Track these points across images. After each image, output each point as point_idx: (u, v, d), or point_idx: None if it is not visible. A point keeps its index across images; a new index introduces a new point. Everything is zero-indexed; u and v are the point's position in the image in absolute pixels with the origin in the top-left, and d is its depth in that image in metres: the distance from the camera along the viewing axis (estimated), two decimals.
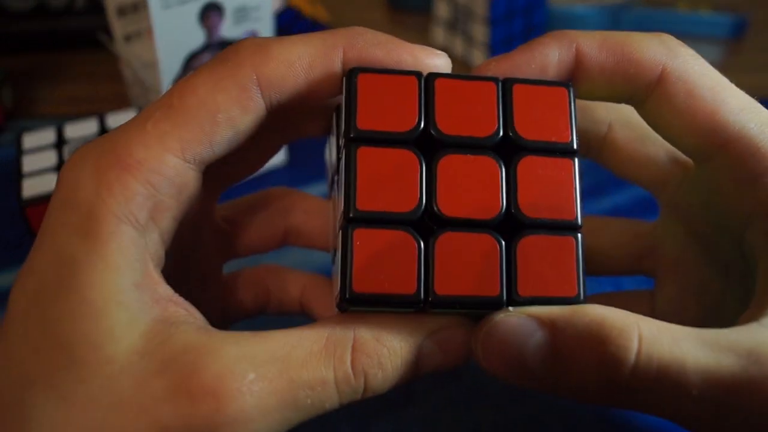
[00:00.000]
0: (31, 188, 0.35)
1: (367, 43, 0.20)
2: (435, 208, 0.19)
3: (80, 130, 0.38)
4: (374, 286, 0.19)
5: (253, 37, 0.21)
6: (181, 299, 0.20)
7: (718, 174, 0.22)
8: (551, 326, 0.19)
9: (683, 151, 0.23)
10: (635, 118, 0.23)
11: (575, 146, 0.20)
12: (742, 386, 0.18)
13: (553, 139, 0.20)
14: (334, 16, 0.57)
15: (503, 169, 0.20)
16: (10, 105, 0.47)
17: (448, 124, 0.20)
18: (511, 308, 0.19)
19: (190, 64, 0.37)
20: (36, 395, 0.17)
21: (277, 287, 0.27)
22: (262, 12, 0.38)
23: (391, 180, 0.19)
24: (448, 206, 0.19)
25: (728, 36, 0.55)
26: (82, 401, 0.17)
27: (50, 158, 0.36)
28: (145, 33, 0.44)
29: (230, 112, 0.19)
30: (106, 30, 0.44)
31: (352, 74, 0.20)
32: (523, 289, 0.19)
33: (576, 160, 0.20)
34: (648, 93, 0.21)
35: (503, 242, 0.19)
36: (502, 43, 0.50)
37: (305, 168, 0.42)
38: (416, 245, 0.19)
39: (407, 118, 0.20)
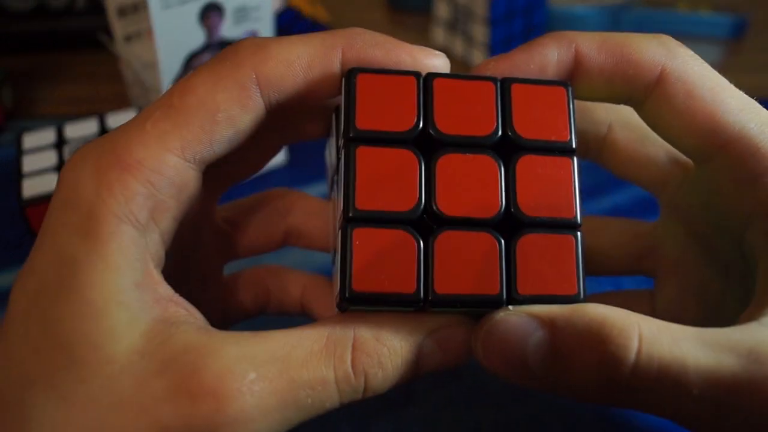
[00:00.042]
0: (31, 188, 0.35)
1: (365, 43, 0.20)
2: (434, 208, 0.19)
3: (80, 130, 0.38)
4: (374, 286, 0.19)
5: (252, 37, 0.21)
6: (181, 299, 0.20)
7: (718, 174, 0.22)
8: (551, 325, 0.19)
9: (683, 152, 0.23)
10: (635, 119, 0.23)
11: (574, 145, 0.20)
12: (743, 386, 0.18)
13: (552, 138, 0.20)
14: (334, 16, 0.57)
15: (502, 168, 0.20)
16: (10, 105, 0.47)
17: (447, 123, 0.20)
18: (510, 307, 0.19)
19: (190, 64, 0.37)
20: (36, 395, 0.17)
21: (277, 287, 0.27)
22: (262, 12, 0.38)
23: (391, 179, 0.19)
24: (447, 205, 0.19)
25: (728, 36, 0.55)
26: (82, 401, 0.17)
27: (50, 158, 0.36)
28: (145, 33, 0.44)
29: (230, 111, 0.20)
30: (107, 30, 0.44)
31: (351, 74, 0.20)
32: (523, 288, 0.19)
33: (575, 158, 0.20)
34: (647, 94, 0.21)
35: (503, 241, 0.19)
36: (502, 43, 0.50)
37: (305, 168, 0.42)
38: (416, 244, 0.19)
39: (406, 118, 0.20)
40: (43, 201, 0.34)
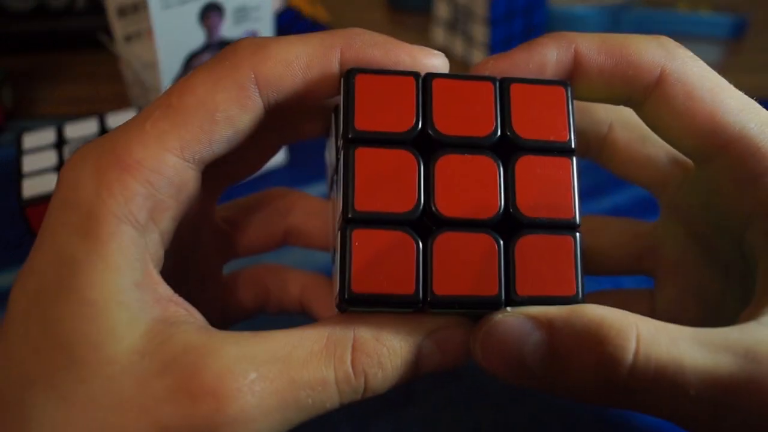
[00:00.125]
0: (31, 188, 0.35)
1: (364, 43, 0.20)
2: (433, 208, 0.19)
3: (80, 130, 0.38)
4: (373, 287, 0.19)
5: (251, 37, 0.21)
6: (180, 299, 0.20)
7: (718, 175, 0.22)
8: (549, 326, 0.19)
9: (683, 153, 0.23)
10: (635, 119, 0.23)
11: (573, 145, 0.20)
12: (740, 386, 0.18)
13: (551, 138, 0.20)
14: (334, 16, 0.57)
15: (501, 169, 0.20)
16: (10, 105, 0.47)
17: (446, 124, 0.20)
18: (509, 308, 0.19)
19: (190, 64, 0.37)
20: (36, 395, 0.17)
21: (276, 286, 0.27)
22: (262, 12, 0.38)
23: (390, 180, 0.19)
24: (446, 206, 0.19)
25: (728, 36, 0.55)
26: (82, 401, 0.17)
27: (50, 158, 0.36)
28: (145, 33, 0.44)
29: (229, 111, 0.20)
30: (107, 30, 0.44)
31: (350, 75, 0.20)
32: (522, 289, 0.19)
33: (574, 158, 0.20)
34: (647, 95, 0.21)
35: (501, 242, 0.19)
36: (502, 43, 0.50)
37: (305, 168, 0.42)
38: (415, 245, 0.19)
39: (405, 119, 0.20)
40: (43, 201, 0.34)
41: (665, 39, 0.21)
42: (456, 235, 0.19)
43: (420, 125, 0.20)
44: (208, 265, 0.26)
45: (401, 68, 0.20)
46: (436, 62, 0.21)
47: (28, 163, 0.36)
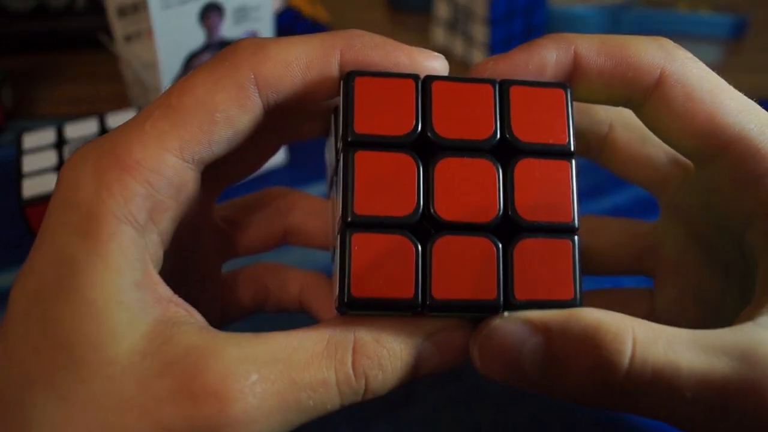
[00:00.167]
0: (31, 188, 0.35)
1: (364, 45, 0.20)
2: (432, 212, 0.19)
3: (80, 130, 0.38)
4: (372, 291, 0.19)
5: (251, 37, 0.21)
6: (180, 300, 0.20)
7: (718, 175, 0.22)
8: (546, 331, 0.19)
9: (683, 154, 0.23)
10: (635, 119, 0.23)
11: (572, 148, 0.20)
12: (734, 389, 0.18)
13: (551, 141, 0.20)
14: (334, 16, 0.57)
15: (500, 172, 0.20)
16: (10, 105, 0.47)
17: (446, 127, 0.20)
18: (506, 313, 0.19)
19: (190, 64, 0.37)
20: (36, 395, 0.17)
21: (275, 285, 0.28)
22: (262, 12, 0.38)
23: (389, 184, 0.19)
24: (445, 210, 0.19)
25: (728, 36, 0.55)
26: (82, 401, 0.17)
27: (50, 158, 0.36)
28: (145, 33, 0.44)
29: (228, 112, 0.20)
30: (107, 30, 0.44)
31: (349, 77, 0.20)
32: (520, 293, 0.19)
33: (573, 161, 0.20)
34: (646, 96, 0.21)
35: (500, 245, 0.19)
36: (502, 43, 0.50)
37: (305, 168, 0.42)
38: (414, 249, 0.19)
39: (405, 122, 0.20)
40: (43, 201, 0.34)
41: (665, 40, 0.21)
42: (455, 238, 0.19)
43: (419, 128, 0.20)
44: (208, 265, 0.26)
45: (401, 70, 0.20)
46: (436, 64, 0.21)
47: (28, 163, 0.36)
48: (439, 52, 0.21)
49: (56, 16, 0.51)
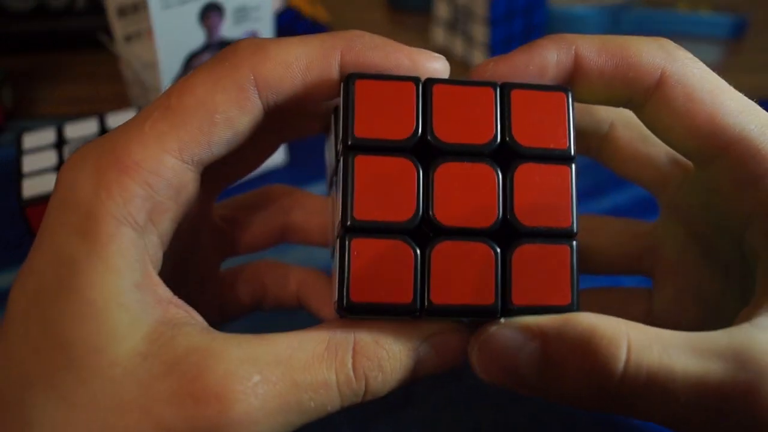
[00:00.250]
0: (31, 188, 0.35)
1: (364, 46, 0.20)
2: (432, 217, 0.19)
3: (80, 130, 0.38)
4: (371, 296, 0.19)
5: (251, 38, 0.21)
6: (180, 301, 0.20)
7: (719, 176, 0.22)
8: (542, 336, 0.19)
9: (683, 154, 0.23)
10: (636, 118, 0.23)
11: (572, 152, 0.20)
12: (729, 392, 0.18)
13: (551, 146, 0.20)
14: (334, 16, 0.57)
15: (500, 177, 0.20)
16: (10, 105, 0.47)
17: (446, 131, 0.20)
18: (503, 320, 0.19)
19: (190, 64, 0.37)
20: (36, 395, 0.17)
21: (274, 282, 0.28)
22: (262, 12, 0.38)
23: (389, 188, 0.19)
24: (444, 215, 0.19)
25: (728, 36, 0.55)
26: (82, 402, 0.17)
27: (50, 158, 0.36)
28: (145, 33, 0.44)
29: (228, 113, 0.19)
30: (107, 30, 0.44)
31: (349, 80, 0.20)
32: (518, 298, 0.19)
33: (573, 166, 0.20)
34: (647, 97, 0.21)
35: (499, 251, 0.19)
36: (502, 43, 0.50)
37: (305, 168, 0.42)
38: (413, 254, 0.19)
39: (405, 126, 0.20)
40: (43, 201, 0.34)
41: (665, 41, 0.21)
42: (454, 244, 0.19)
43: (420, 132, 0.20)
44: (207, 265, 0.26)
45: (401, 71, 0.20)
46: (437, 65, 0.21)
47: (28, 163, 0.36)
48: (439, 52, 0.21)
49: (56, 16, 0.51)
